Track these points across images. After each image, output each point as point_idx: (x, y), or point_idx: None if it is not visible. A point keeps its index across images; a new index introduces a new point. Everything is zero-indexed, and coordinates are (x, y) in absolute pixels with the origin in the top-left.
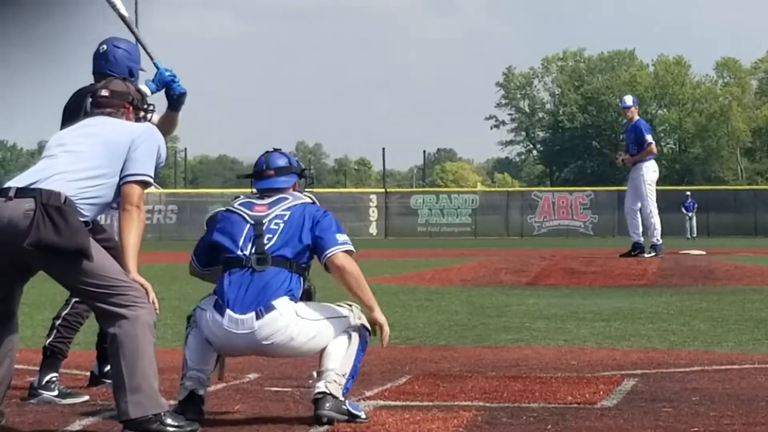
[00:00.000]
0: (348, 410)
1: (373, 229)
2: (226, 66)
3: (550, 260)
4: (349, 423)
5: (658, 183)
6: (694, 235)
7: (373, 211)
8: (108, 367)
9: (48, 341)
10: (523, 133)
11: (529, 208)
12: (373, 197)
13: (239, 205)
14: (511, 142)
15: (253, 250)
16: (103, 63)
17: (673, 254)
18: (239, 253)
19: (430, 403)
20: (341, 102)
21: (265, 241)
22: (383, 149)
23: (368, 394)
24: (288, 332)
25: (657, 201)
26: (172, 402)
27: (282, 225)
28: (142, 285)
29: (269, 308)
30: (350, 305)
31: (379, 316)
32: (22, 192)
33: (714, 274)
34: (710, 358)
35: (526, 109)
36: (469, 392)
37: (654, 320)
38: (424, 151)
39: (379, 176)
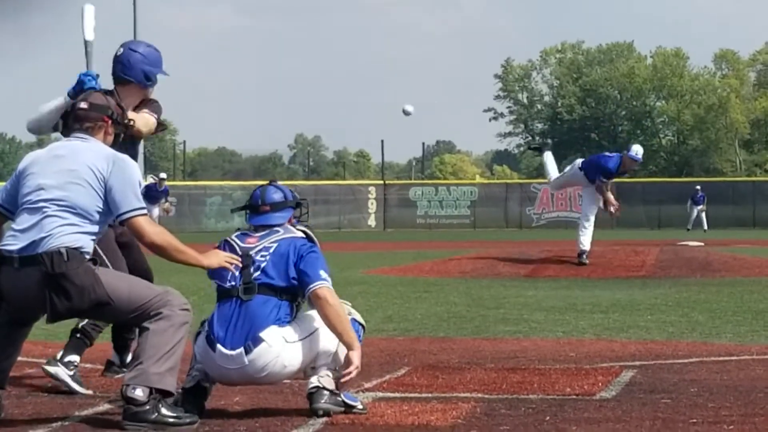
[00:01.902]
0: (344, 401)
1: (372, 221)
2: (226, 58)
3: (548, 252)
4: (347, 414)
5: (654, 175)
6: (705, 227)
7: (372, 203)
8: (129, 358)
9: (81, 324)
10: (522, 125)
11: (528, 200)
12: (372, 189)
13: (235, 236)
14: (509, 134)
15: (240, 281)
16: (118, 66)
17: (671, 246)
18: (228, 284)
19: (429, 395)
20: (340, 94)
21: (252, 271)
22: (382, 141)
23: (367, 385)
24: (280, 361)
25: (656, 194)
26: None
27: (268, 256)
28: (219, 266)
29: (257, 341)
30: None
31: (355, 357)
32: (26, 260)
33: (712, 266)
34: (708, 350)
35: (525, 101)
36: (468, 384)
37: (652, 312)
38: (423, 144)
39: (378, 168)
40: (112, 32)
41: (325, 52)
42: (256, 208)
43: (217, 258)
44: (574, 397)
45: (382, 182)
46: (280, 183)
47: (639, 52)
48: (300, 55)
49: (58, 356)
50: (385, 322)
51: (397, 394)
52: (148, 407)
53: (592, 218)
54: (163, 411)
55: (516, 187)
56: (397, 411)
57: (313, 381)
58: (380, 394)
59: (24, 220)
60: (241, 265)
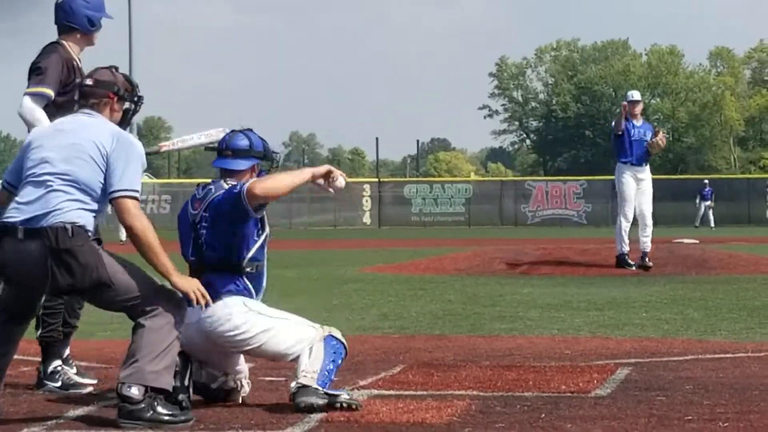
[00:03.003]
0: (326, 393)
1: (366, 219)
2: (220, 56)
3: (543, 250)
4: (342, 411)
5: (652, 172)
6: (712, 225)
7: (367, 201)
8: (66, 352)
9: (39, 333)
10: (517, 123)
11: (523, 198)
12: (367, 187)
13: (191, 198)
14: (504, 132)
15: (195, 255)
16: (61, 14)
17: (666, 243)
18: (191, 258)
19: (424, 393)
20: (335, 92)
21: (201, 244)
22: (377, 139)
23: (362, 383)
24: (233, 321)
25: (654, 190)
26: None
27: (206, 226)
28: (186, 290)
29: (216, 297)
30: (321, 326)
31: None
32: (30, 233)
33: (708, 263)
34: (704, 347)
35: (520, 98)
36: (463, 381)
37: (648, 309)
38: (418, 141)
39: (373, 166)
40: (106, 27)
41: (320, 49)
42: (220, 152)
43: (189, 284)
44: (570, 394)
45: (376, 180)
46: (254, 131)
47: (634, 50)
48: (295, 53)
49: (42, 374)
50: (381, 319)
51: (392, 392)
52: (143, 405)
53: (626, 212)
54: (159, 409)
55: (511, 185)
56: (393, 409)
57: (293, 385)
58: (375, 392)
59: (28, 193)
60: (210, 304)
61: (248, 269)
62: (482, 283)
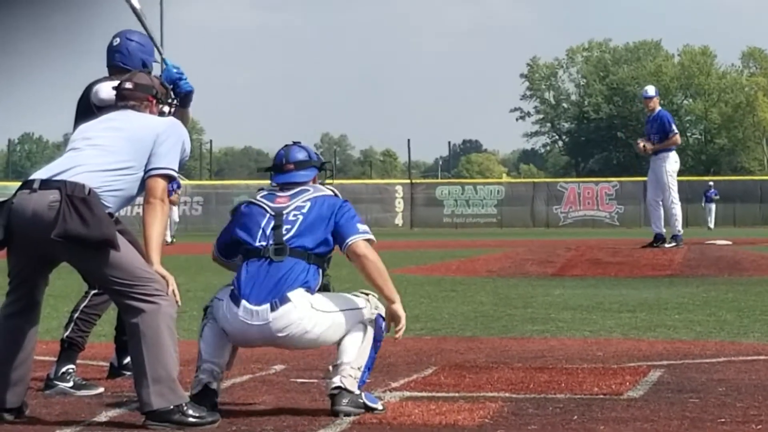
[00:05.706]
0: (365, 403)
1: (398, 220)
2: (251, 57)
3: (575, 251)
4: (372, 414)
5: (682, 173)
6: (712, 225)
7: (399, 202)
8: (127, 359)
9: (66, 334)
10: (548, 125)
11: (555, 199)
12: (399, 188)
13: (261, 197)
14: (536, 134)
15: (271, 241)
16: (117, 56)
17: (699, 245)
18: (257, 243)
19: (456, 394)
20: (366, 93)
21: (284, 232)
22: (408, 140)
23: (394, 385)
24: (302, 325)
25: (683, 192)
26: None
27: (301, 217)
28: (163, 277)
29: (284, 300)
30: (367, 294)
31: (399, 309)
32: (46, 184)
33: (740, 265)
34: (737, 349)
35: (551, 100)
36: (495, 383)
37: (680, 311)
38: (449, 143)
39: (405, 167)
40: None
41: (351, 50)
42: (280, 167)
43: (170, 276)
44: (602, 396)
45: (408, 181)
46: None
47: (666, 51)
48: (325, 54)
49: (52, 374)
50: (412, 321)
51: (424, 394)
52: (172, 407)
53: (673, 192)
54: (187, 411)
55: (543, 186)
56: (425, 410)
57: (335, 381)
58: (407, 394)
59: (61, 157)
60: (179, 304)
61: (324, 263)
62: (514, 284)
